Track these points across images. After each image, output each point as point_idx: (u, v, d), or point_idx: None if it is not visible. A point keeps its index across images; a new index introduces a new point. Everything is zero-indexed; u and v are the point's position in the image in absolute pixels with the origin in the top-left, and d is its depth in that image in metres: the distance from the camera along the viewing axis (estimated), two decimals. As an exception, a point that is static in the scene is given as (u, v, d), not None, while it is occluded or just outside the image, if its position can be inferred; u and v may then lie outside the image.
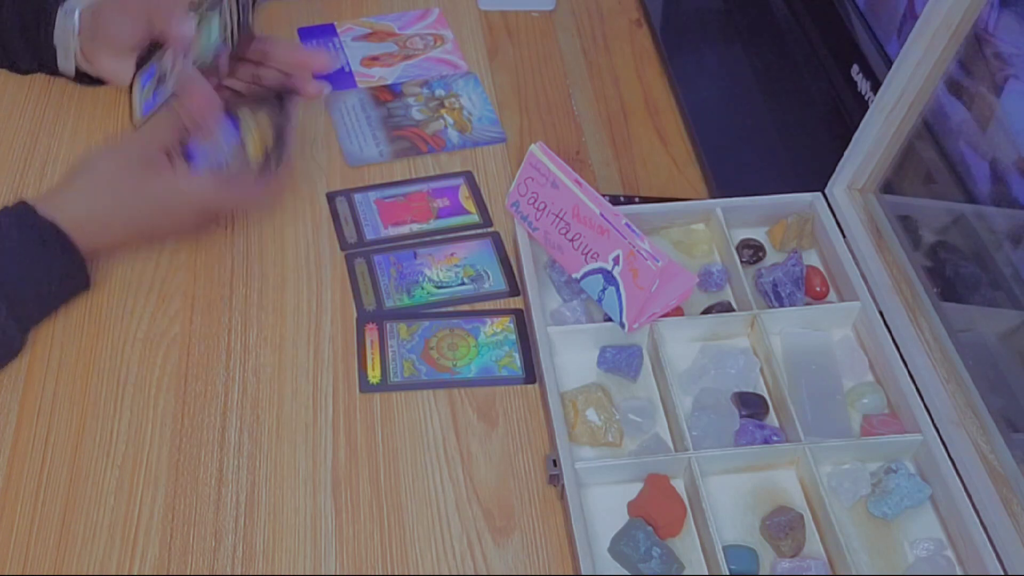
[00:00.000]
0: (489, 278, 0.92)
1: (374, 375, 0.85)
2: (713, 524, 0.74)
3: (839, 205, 0.92)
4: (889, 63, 0.88)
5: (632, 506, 0.77)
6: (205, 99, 0.88)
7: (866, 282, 0.87)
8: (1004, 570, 0.71)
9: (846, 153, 0.91)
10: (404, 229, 0.95)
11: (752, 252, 0.91)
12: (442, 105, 1.07)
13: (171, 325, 0.88)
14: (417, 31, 1.15)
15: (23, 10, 0.97)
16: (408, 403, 0.84)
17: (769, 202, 0.93)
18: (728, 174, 1.01)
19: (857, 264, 0.88)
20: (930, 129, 0.87)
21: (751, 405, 0.82)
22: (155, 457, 0.80)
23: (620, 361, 0.84)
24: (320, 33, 1.14)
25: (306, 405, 0.83)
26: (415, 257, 0.93)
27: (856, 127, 0.89)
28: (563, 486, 0.76)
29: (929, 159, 0.88)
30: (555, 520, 0.78)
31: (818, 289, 0.89)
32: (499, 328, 0.88)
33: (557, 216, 0.85)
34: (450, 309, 0.90)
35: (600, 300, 0.84)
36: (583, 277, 0.84)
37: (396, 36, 1.14)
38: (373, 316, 0.89)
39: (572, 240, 0.84)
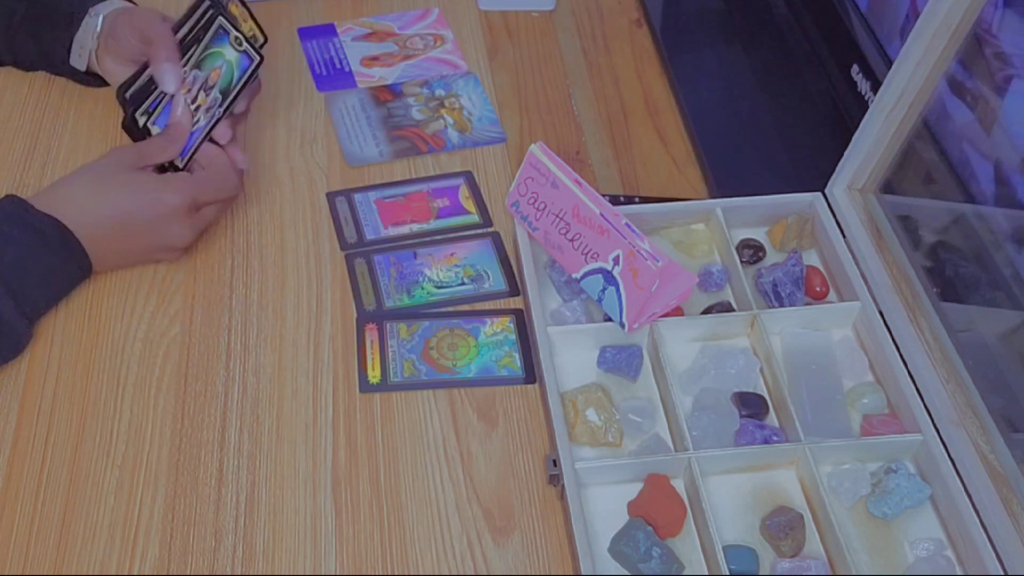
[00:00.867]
0: (489, 278, 0.92)
1: (374, 375, 0.85)
2: (713, 524, 0.73)
3: (839, 205, 0.92)
4: (889, 63, 0.88)
5: (632, 506, 0.77)
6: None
7: (866, 282, 0.87)
8: (1004, 570, 0.71)
9: (846, 153, 0.91)
10: (404, 229, 0.95)
11: (752, 252, 0.91)
12: (442, 105, 1.07)
13: (171, 325, 0.88)
14: (417, 31, 1.15)
15: (33, 8, 0.98)
16: (408, 403, 0.84)
17: (769, 202, 0.93)
18: (728, 174, 1.01)
19: (857, 264, 0.88)
20: (930, 129, 0.87)
21: (751, 405, 0.82)
22: (155, 457, 0.80)
23: (620, 361, 0.84)
24: (320, 33, 1.14)
25: (306, 405, 0.83)
26: (415, 257, 0.93)
27: (856, 127, 0.89)
28: (563, 486, 0.76)
29: (929, 159, 0.88)
30: (555, 520, 0.78)
31: (818, 289, 0.89)
32: (499, 328, 0.88)
33: (557, 216, 0.85)
34: (450, 309, 0.90)
35: (600, 300, 0.84)
36: (583, 277, 0.84)
37: (396, 36, 1.14)
38: (373, 316, 0.89)
39: (572, 240, 0.84)
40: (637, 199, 0.99)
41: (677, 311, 0.86)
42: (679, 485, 0.78)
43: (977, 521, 0.73)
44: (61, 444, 0.80)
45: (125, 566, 0.75)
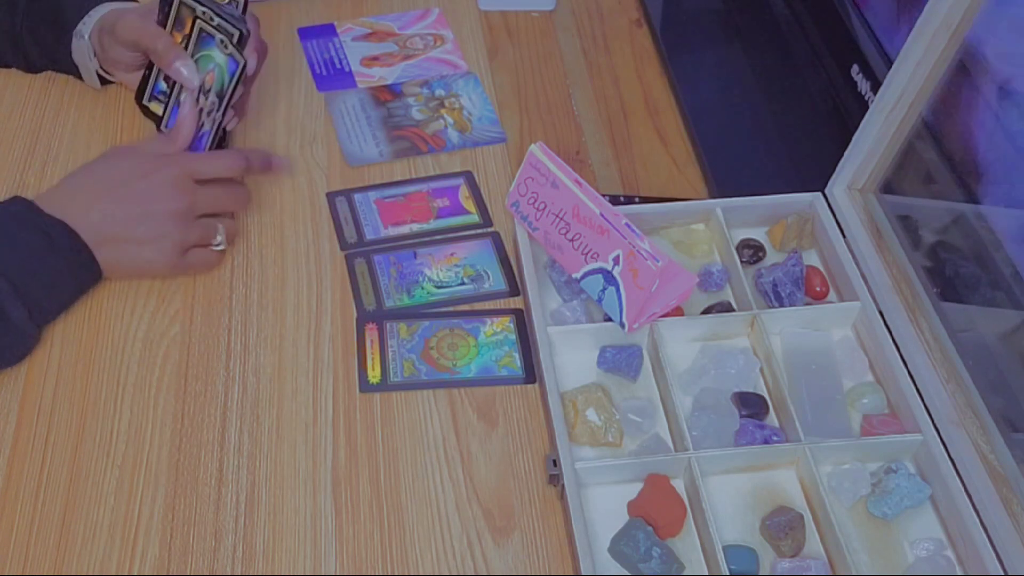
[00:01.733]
0: (489, 278, 0.92)
1: (374, 375, 0.85)
2: (713, 524, 0.73)
3: (839, 205, 0.92)
4: (889, 63, 0.88)
5: (632, 506, 0.77)
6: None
7: (866, 282, 0.87)
8: (1004, 570, 0.71)
9: (846, 153, 0.91)
10: (404, 229, 0.95)
11: (752, 252, 0.91)
12: (442, 105, 1.07)
13: (171, 325, 0.88)
14: (417, 31, 1.15)
15: (37, 19, 0.99)
16: (408, 403, 0.84)
17: (769, 202, 0.93)
18: (728, 174, 1.01)
19: (857, 264, 0.88)
20: (930, 129, 0.87)
21: (751, 405, 0.82)
22: (155, 457, 0.80)
23: (620, 361, 0.84)
24: (320, 33, 1.14)
25: (306, 405, 0.83)
26: (415, 257, 0.93)
27: (856, 127, 0.89)
28: (563, 486, 0.76)
29: (929, 159, 0.88)
30: (555, 520, 0.78)
31: (818, 289, 0.89)
32: (499, 328, 0.88)
33: (557, 216, 0.85)
34: (450, 309, 0.90)
35: (600, 300, 0.84)
36: (583, 277, 0.84)
37: (396, 36, 1.14)
38: (373, 316, 0.89)
39: (572, 240, 0.84)
40: (637, 199, 0.99)
41: (677, 311, 0.86)
42: (679, 485, 0.78)
43: (977, 521, 0.73)
44: (61, 444, 0.80)
45: (125, 566, 0.75)
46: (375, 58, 1.11)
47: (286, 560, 0.75)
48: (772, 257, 0.92)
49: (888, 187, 0.92)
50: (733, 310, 0.87)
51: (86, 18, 0.96)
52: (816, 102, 1.08)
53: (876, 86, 0.91)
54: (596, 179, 1.02)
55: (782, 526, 0.75)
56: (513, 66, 1.13)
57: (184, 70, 0.90)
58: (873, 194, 0.92)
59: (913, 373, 0.81)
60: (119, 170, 0.87)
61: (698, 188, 1.02)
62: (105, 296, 0.89)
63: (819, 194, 0.93)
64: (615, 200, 0.98)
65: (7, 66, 1.05)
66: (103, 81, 1.02)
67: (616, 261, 0.81)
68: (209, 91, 0.90)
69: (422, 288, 0.91)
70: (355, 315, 0.89)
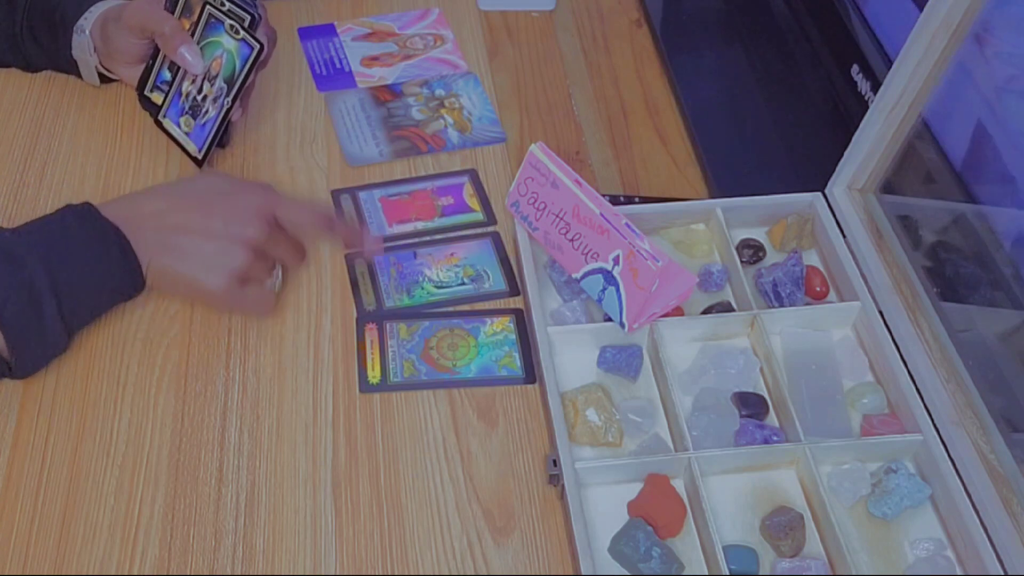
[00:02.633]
0: (489, 278, 0.92)
1: (374, 375, 0.85)
2: (713, 524, 0.74)
3: (839, 205, 0.92)
4: (889, 63, 0.88)
5: (632, 506, 0.77)
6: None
7: (866, 282, 0.87)
8: (1004, 570, 0.71)
9: (846, 153, 0.91)
10: (408, 227, 0.95)
11: (752, 252, 0.91)
12: (442, 105, 1.07)
13: (171, 325, 0.88)
14: (417, 31, 1.15)
15: (36, 19, 0.99)
16: (408, 403, 0.84)
17: (769, 202, 0.93)
18: (728, 174, 1.01)
19: (857, 264, 0.88)
20: (930, 129, 0.87)
21: (751, 405, 0.82)
22: (155, 457, 0.80)
23: (620, 361, 0.84)
24: (320, 33, 1.14)
25: (306, 405, 0.83)
26: (415, 257, 0.93)
27: (856, 127, 0.89)
28: (563, 486, 0.76)
29: (929, 159, 0.88)
30: (555, 520, 0.78)
31: (818, 289, 0.89)
32: (499, 328, 0.88)
33: (557, 216, 0.85)
34: (450, 309, 0.90)
35: (600, 300, 0.84)
36: (583, 277, 0.84)
37: (396, 36, 1.14)
38: (373, 316, 0.89)
39: (572, 240, 0.84)
40: (637, 199, 0.99)
41: (677, 311, 0.86)
42: (679, 485, 0.78)
43: (977, 521, 0.73)
44: (61, 444, 0.80)
45: (125, 566, 0.75)
46: (375, 58, 1.11)
47: (286, 560, 0.75)
48: (772, 257, 0.92)
49: (888, 187, 0.92)
50: (733, 310, 0.87)
51: (87, 14, 0.97)
52: (816, 102, 1.08)
53: (876, 86, 0.91)
54: (596, 179, 1.02)
55: (782, 526, 0.75)
56: (513, 66, 1.13)
57: (188, 55, 0.90)
58: (873, 194, 0.92)
59: (913, 373, 0.81)
60: (205, 183, 0.87)
61: (698, 188, 1.02)
62: (105, 296, 0.89)
63: (819, 194, 0.93)
64: (615, 200, 0.98)
65: (7, 66, 1.05)
66: (103, 79, 1.02)
67: (616, 261, 0.81)
68: (215, 77, 0.90)
69: (422, 288, 0.91)
70: (355, 315, 0.89)
